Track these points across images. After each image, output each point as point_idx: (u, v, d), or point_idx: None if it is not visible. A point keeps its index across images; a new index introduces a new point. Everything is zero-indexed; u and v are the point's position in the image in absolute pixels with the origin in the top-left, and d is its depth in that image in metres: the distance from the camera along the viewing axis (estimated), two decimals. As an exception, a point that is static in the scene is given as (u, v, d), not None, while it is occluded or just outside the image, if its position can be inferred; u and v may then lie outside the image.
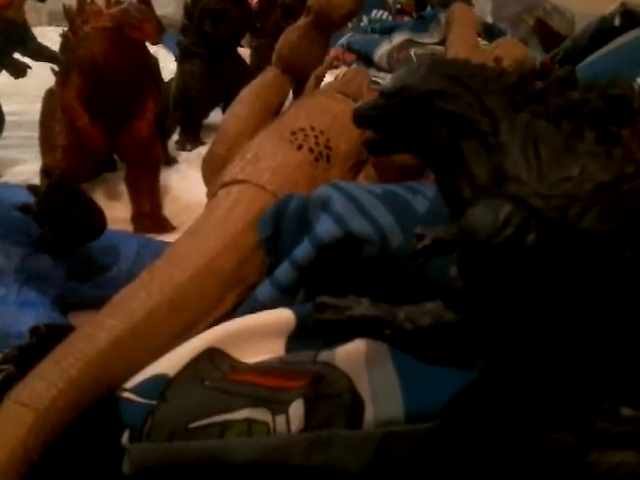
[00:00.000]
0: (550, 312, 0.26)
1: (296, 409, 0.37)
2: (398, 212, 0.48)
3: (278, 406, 0.38)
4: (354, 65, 1.30)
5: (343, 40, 1.46)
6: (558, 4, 1.35)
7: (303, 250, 0.47)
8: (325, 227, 0.47)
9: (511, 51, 0.71)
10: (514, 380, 0.28)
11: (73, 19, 0.70)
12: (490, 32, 1.27)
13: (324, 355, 0.40)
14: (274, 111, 0.65)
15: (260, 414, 0.38)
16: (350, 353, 0.40)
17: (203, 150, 0.97)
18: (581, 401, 0.26)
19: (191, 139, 0.98)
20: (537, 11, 1.07)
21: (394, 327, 0.27)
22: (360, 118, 0.32)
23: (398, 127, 0.31)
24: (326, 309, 0.28)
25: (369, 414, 0.37)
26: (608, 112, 0.26)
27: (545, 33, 1.00)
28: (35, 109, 0.85)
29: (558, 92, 0.28)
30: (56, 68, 0.80)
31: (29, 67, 0.81)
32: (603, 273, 0.25)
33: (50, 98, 0.74)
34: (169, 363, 0.43)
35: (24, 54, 0.81)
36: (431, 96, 0.29)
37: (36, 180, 0.78)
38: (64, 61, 0.72)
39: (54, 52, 0.82)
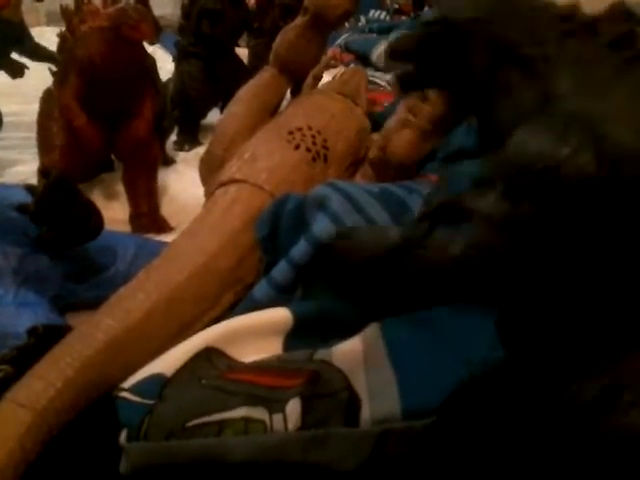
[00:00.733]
0: (581, 250, 0.24)
1: (293, 407, 0.37)
2: (394, 210, 0.48)
3: (275, 404, 0.38)
4: (352, 65, 1.30)
5: (341, 40, 1.46)
6: None
7: (300, 249, 0.48)
8: (322, 226, 0.47)
9: None
10: (537, 319, 0.26)
11: (70, 19, 0.70)
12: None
13: (321, 353, 0.40)
14: (271, 111, 0.66)
15: (257, 412, 0.38)
16: (347, 351, 0.40)
17: (201, 150, 0.97)
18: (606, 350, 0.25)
19: (189, 139, 0.98)
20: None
21: (425, 247, 0.27)
22: (396, 51, 0.30)
23: (437, 58, 0.29)
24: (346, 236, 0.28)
25: (366, 412, 0.37)
26: None
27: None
28: (33, 109, 0.85)
29: (609, 24, 0.27)
30: (54, 68, 0.80)
31: (27, 67, 0.81)
32: None
33: (48, 98, 0.74)
34: (166, 362, 0.43)
35: (21, 54, 0.82)
36: (479, 21, 0.28)
37: (34, 180, 0.78)
38: (61, 61, 0.72)
39: (52, 52, 0.82)
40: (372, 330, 0.42)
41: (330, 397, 0.38)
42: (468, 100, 0.29)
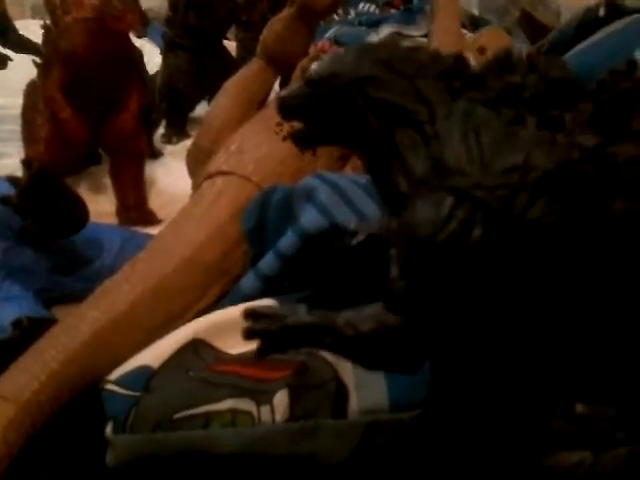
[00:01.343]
0: (498, 309, 0.24)
1: (281, 399, 0.37)
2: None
3: (262, 396, 0.38)
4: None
5: (331, 33, 1.45)
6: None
7: (287, 241, 0.47)
8: (310, 218, 0.47)
9: (495, 41, 0.71)
10: (463, 382, 0.27)
11: (54, 10, 0.69)
12: (476, 23, 1.27)
13: (308, 345, 0.40)
14: (259, 102, 0.65)
15: (244, 404, 0.38)
16: (334, 342, 0.40)
17: (189, 143, 0.97)
18: (534, 401, 0.25)
19: (177, 132, 0.98)
20: (522, 2, 1.07)
21: (334, 334, 0.26)
22: (285, 109, 0.29)
23: (326, 117, 0.28)
24: (259, 318, 0.26)
25: (353, 402, 0.37)
26: (549, 96, 0.25)
27: (530, 24, 1.00)
28: (19, 102, 0.84)
29: (497, 76, 0.26)
30: (38, 60, 0.79)
31: (10, 59, 0.80)
32: (554, 266, 0.23)
33: (32, 90, 0.73)
34: (153, 354, 0.42)
35: (4, 46, 0.81)
36: (361, 83, 0.27)
37: (20, 173, 0.78)
38: (45, 53, 0.71)
39: (36, 44, 0.81)
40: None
41: (318, 388, 0.38)
42: (366, 158, 0.28)
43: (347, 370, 0.39)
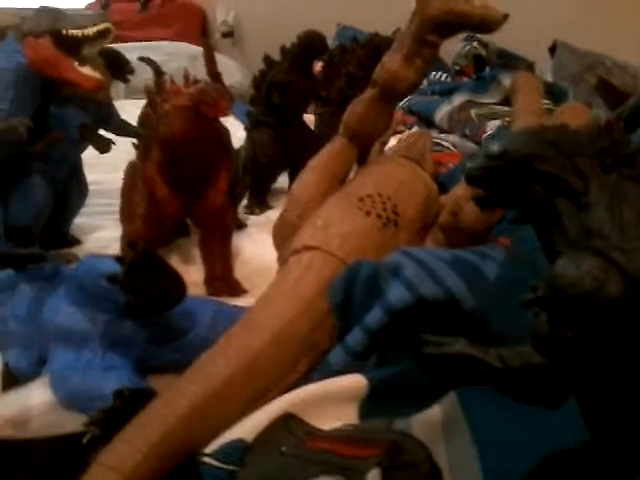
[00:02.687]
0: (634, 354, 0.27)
1: (373, 478, 0.38)
2: (468, 277, 0.48)
3: (354, 474, 0.38)
4: (415, 127, 1.33)
5: (403, 102, 1.49)
6: (619, 59, 1.35)
7: (374, 316, 0.48)
8: (396, 293, 0.48)
9: (577, 117, 0.71)
10: (608, 414, 0.30)
11: (153, 98, 0.75)
12: (551, 91, 1.28)
13: (399, 423, 0.41)
14: (342, 179, 0.68)
15: (337, 482, 0.38)
16: (425, 421, 0.40)
17: (271, 214, 1.01)
18: None
19: (259, 204, 1.02)
20: (598, 69, 1.06)
21: (486, 364, 0.31)
22: (470, 178, 0.36)
23: (501, 185, 0.34)
24: (428, 344, 0.32)
25: (447, 485, 0.37)
26: None
27: (608, 91, 1.00)
28: (114, 178, 0.91)
29: None
30: (136, 142, 0.85)
31: (113, 143, 0.87)
32: None
33: (131, 171, 0.79)
34: (247, 428, 0.44)
35: (107, 130, 0.88)
36: (529, 159, 0.33)
37: (115, 246, 0.83)
38: (145, 137, 0.77)
39: (135, 128, 0.88)
40: (450, 399, 0.42)
41: (411, 469, 0.38)
42: (532, 220, 0.34)
43: (439, 450, 0.39)
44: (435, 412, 0.41)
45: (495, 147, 0.34)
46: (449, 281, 0.47)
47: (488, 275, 0.49)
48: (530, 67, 1.21)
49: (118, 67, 0.86)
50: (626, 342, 0.28)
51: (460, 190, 0.60)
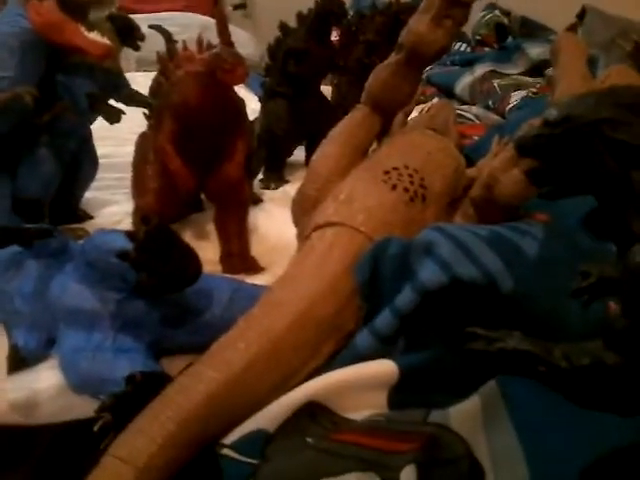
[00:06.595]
0: None
1: (408, 475, 0.34)
2: (507, 257, 0.44)
3: (388, 471, 0.35)
4: (436, 99, 1.28)
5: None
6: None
7: (405, 298, 0.45)
8: (429, 273, 0.44)
9: (624, 79, 0.66)
10: None
11: (165, 64, 0.71)
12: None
13: (436, 415, 0.37)
14: (364, 150, 0.64)
15: (368, 479, 0.35)
16: (465, 413, 0.37)
17: (287, 188, 0.98)
18: None
19: (275, 178, 0.99)
20: (634, 34, 1.01)
21: (549, 364, 0.27)
22: (523, 148, 0.31)
23: (562, 157, 0.30)
24: (477, 339, 0.29)
25: (491, 484, 0.34)
26: None
27: (645, 57, 0.94)
28: (126, 151, 0.88)
29: None
30: (147, 113, 0.82)
31: (123, 113, 0.83)
32: None
33: (142, 142, 0.75)
34: (268, 418, 0.41)
35: (117, 100, 0.84)
36: (600, 125, 0.28)
37: (127, 221, 0.80)
38: (157, 106, 0.73)
39: (146, 97, 0.84)
40: (490, 388, 0.38)
41: (449, 465, 0.35)
42: (600, 198, 0.30)
43: (480, 445, 0.35)
44: (474, 402, 0.37)
45: (554, 112, 0.29)
46: (487, 261, 0.44)
47: (528, 253, 0.45)
48: (573, 29, 1.15)
49: (128, 33, 0.81)
50: None
51: (497, 162, 0.56)
